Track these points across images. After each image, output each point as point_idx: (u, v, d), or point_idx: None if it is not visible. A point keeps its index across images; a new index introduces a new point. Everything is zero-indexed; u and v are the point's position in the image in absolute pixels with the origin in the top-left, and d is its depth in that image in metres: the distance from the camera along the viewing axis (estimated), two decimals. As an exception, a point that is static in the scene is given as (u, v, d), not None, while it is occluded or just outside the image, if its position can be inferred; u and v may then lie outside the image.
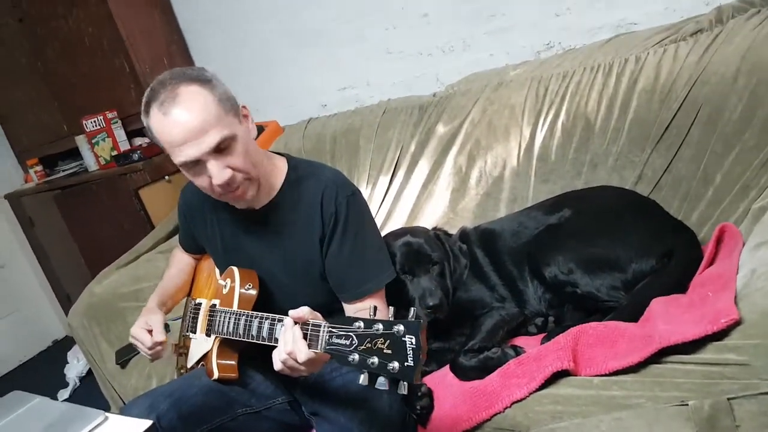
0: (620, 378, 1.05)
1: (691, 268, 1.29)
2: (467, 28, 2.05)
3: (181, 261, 1.50)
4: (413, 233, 1.48)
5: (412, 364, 0.82)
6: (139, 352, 1.81)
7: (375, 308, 0.90)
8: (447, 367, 1.33)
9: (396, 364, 0.83)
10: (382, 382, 0.85)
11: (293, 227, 1.23)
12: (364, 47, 2.26)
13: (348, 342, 0.88)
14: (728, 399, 0.94)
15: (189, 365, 1.36)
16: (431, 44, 2.14)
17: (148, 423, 0.85)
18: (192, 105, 1.06)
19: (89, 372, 2.67)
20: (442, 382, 1.30)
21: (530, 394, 1.10)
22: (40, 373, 3.11)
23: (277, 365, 1.00)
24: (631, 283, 1.32)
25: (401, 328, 0.84)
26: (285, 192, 1.23)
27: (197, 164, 1.10)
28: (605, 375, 1.07)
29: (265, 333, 1.10)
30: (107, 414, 0.91)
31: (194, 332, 1.33)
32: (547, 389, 1.10)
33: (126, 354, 1.81)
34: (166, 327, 1.87)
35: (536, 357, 1.16)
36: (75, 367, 2.78)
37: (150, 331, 1.28)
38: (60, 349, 3.16)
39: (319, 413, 1.25)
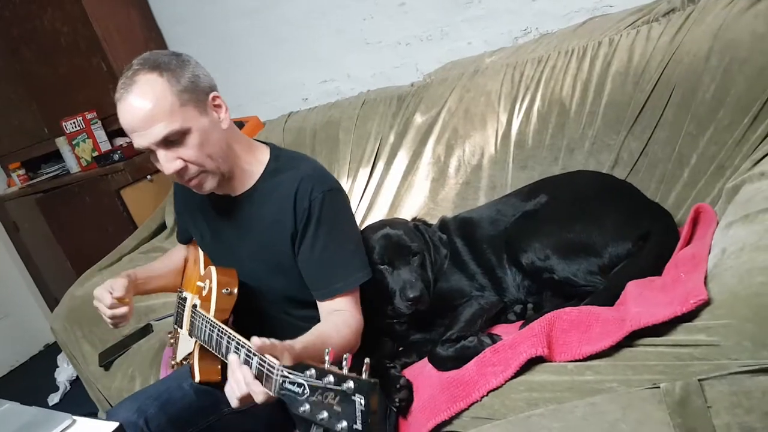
0: (594, 363, 1.05)
1: (667, 250, 1.29)
2: (445, 17, 2.03)
3: (174, 253, 1.51)
4: (392, 225, 1.47)
5: (359, 429, 0.75)
6: (123, 353, 1.83)
7: (329, 351, 0.84)
8: (426, 359, 1.33)
9: (345, 425, 0.77)
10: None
11: (265, 218, 1.22)
12: (342, 39, 2.25)
13: (300, 390, 0.83)
14: (699, 380, 0.94)
15: (178, 359, 1.36)
16: (409, 34, 2.12)
17: (114, 425, 0.84)
18: (143, 95, 1.06)
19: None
20: (421, 372, 1.30)
21: (506, 381, 1.10)
22: (32, 378, 3.11)
23: (234, 403, 0.96)
24: (608, 267, 1.31)
25: (351, 385, 0.77)
26: (262, 182, 1.23)
27: (151, 152, 1.10)
28: (580, 360, 1.07)
29: (229, 352, 1.05)
30: (75, 417, 0.91)
31: (180, 327, 1.33)
32: (523, 376, 1.10)
33: (109, 356, 1.81)
34: (149, 327, 1.87)
35: (511, 344, 1.15)
36: (65, 371, 2.78)
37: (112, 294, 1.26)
38: (51, 353, 3.14)
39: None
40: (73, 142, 2.61)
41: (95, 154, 2.61)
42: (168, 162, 1.10)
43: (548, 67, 1.65)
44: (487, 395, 1.12)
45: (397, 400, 1.21)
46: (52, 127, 2.75)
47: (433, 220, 1.59)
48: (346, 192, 1.86)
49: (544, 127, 1.63)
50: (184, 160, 1.10)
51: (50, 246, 2.81)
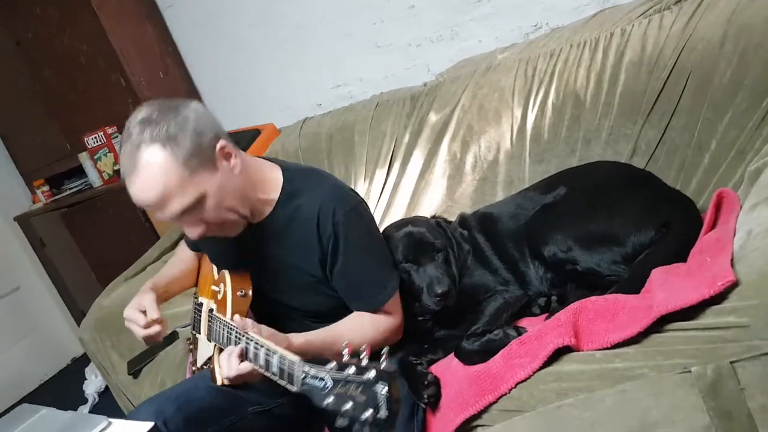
0: (622, 350, 1.04)
1: (690, 237, 1.28)
2: (454, 17, 2.05)
3: (183, 253, 1.51)
4: (414, 223, 1.47)
5: (384, 416, 0.78)
6: (151, 360, 1.85)
7: (348, 345, 0.87)
8: (452, 355, 1.33)
9: (369, 413, 0.79)
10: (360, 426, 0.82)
11: (289, 244, 1.22)
12: (354, 43, 2.27)
13: (323, 384, 0.85)
14: (731, 362, 0.93)
15: (198, 364, 1.36)
16: (420, 35, 2.14)
17: (149, 425, 0.86)
18: (151, 179, 1.03)
19: (107, 387, 2.70)
20: (447, 368, 1.30)
21: (534, 373, 1.10)
22: (61, 392, 3.15)
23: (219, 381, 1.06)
24: (631, 256, 1.31)
25: (372, 375, 0.80)
26: (280, 207, 1.21)
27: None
28: (607, 348, 1.06)
29: (251, 355, 1.08)
30: (110, 419, 0.93)
31: (198, 332, 1.34)
32: (551, 367, 1.09)
33: (138, 364, 1.83)
34: (175, 334, 1.90)
35: (537, 335, 1.15)
36: (93, 383, 2.81)
37: (144, 313, 1.26)
38: (79, 366, 3.19)
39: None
40: (95, 157, 2.67)
41: (116, 167, 2.66)
42: (191, 229, 1.09)
43: (561, 60, 1.65)
44: (515, 387, 1.11)
45: (425, 396, 1.21)
46: (73, 143, 2.80)
47: (452, 218, 1.59)
48: (364, 194, 1.89)
49: (560, 120, 1.63)
50: (206, 222, 1.09)
51: (75, 260, 2.86)
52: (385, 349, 0.83)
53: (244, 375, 1.07)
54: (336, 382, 0.83)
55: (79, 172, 2.94)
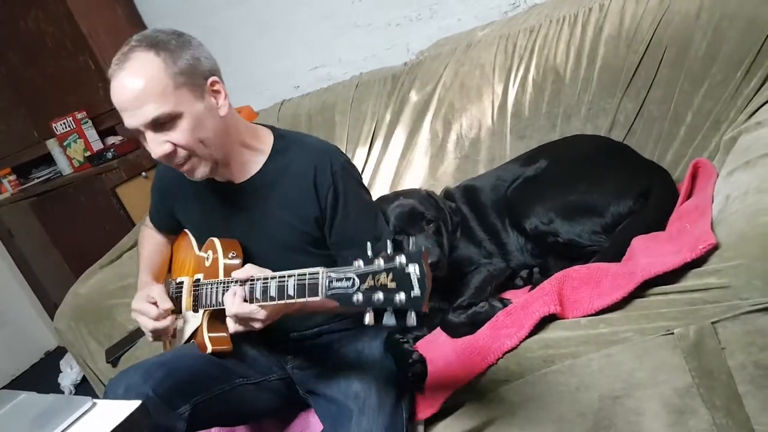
0: (607, 316, 1.06)
1: (667, 206, 1.31)
2: (434, -4, 2.03)
3: (154, 238, 1.44)
4: (405, 195, 1.47)
5: (418, 293, 0.80)
6: (130, 347, 1.81)
7: (371, 245, 0.88)
8: (438, 329, 1.33)
9: (402, 296, 0.81)
10: (387, 318, 0.84)
11: (282, 199, 1.19)
12: (332, 24, 2.24)
13: (349, 284, 0.86)
14: (712, 323, 0.96)
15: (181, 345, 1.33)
16: (399, 14, 2.12)
17: (136, 403, 0.83)
18: (136, 73, 1.03)
19: (84, 379, 2.64)
20: (434, 342, 1.30)
21: (520, 342, 1.11)
22: (35, 386, 3.01)
23: (232, 328, 1.07)
24: (611, 226, 1.33)
25: (403, 259, 0.82)
26: (270, 163, 1.19)
27: (140, 133, 1.07)
28: (592, 315, 1.08)
29: (258, 294, 1.05)
30: (95, 400, 0.89)
31: (180, 312, 1.31)
32: (537, 335, 1.11)
33: (116, 351, 1.79)
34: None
35: (523, 305, 1.16)
36: (68, 375, 2.74)
37: (155, 304, 1.22)
38: (53, 359, 3.11)
39: (314, 391, 1.25)
40: (65, 144, 2.59)
41: (87, 153, 2.58)
42: (156, 145, 1.07)
43: (540, 36, 1.66)
44: (502, 357, 1.12)
45: (410, 374, 1.21)
46: (41, 129, 2.71)
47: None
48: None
49: (540, 96, 1.64)
50: (174, 144, 1.07)
51: (47, 250, 2.78)
52: (411, 239, 0.87)
53: (249, 316, 1.04)
54: (363, 277, 0.85)
55: (47, 159, 2.85)
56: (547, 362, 1.09)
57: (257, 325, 1.06)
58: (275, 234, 1.21)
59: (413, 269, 0.81)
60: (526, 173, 1.46)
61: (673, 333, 0.99)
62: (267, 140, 1.22)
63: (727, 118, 1.37)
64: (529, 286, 1.39)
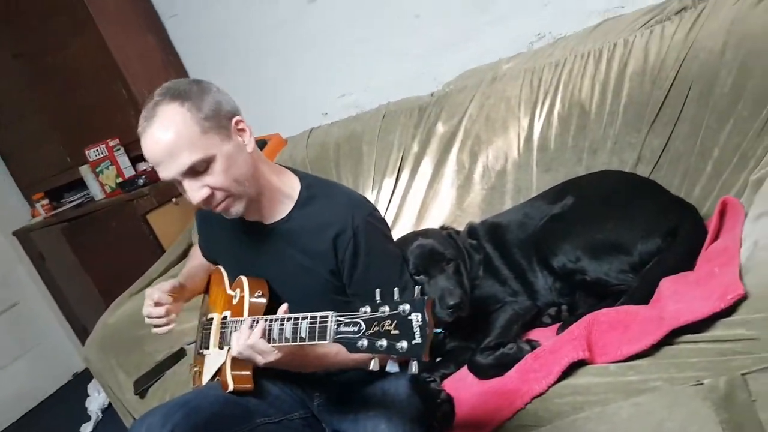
0: (636, 362, 1.07)
1: (696, 245, 1.30)
2: (459, 25, 2.06)
3: (200, 257, 1.50)
4: (424, 235, 1.48)
5: (420, 341, 0.83)
6: (158, 379, 1.84)
7: (381, 292, 0.91)
8: (465, 368, 1.34)
9: (404, 344, 0.84)
10: (391, 365, 0.87)
11: (303, 247, 1.22)
12: (359, 52, 2.28)
13: (356, 329, 0.90)
14: (742, 374, 0.96)
15: (204, 383, 1.33)
16: (425, 44, 2.15)
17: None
18: (165, 126, 1.06)
19: (111, 404, 2.68)
20: (462, 383, 1.31)
21: (549, 387, 1.12)
22: (63, 408, 3.09)
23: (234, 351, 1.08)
24: (639, 265, 1.33)
25: (407, 307, 0.85)
26: (297, 210, 1.22)
27: (177, 183, 1.11)
28: (621, 361, 1.08)
29: (275, 334, 1.08)
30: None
31: (207, 348, 1.32)
32: (566, 380, 1.11)
33: (145, 383, 1.81)
34: (182, 351, 1.89)
35: (552, 349, 1.17)
36: (96, 399, 2.76)
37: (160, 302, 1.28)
38: (81, 382, 3.13)
39: (340, 430, 1.25)
40: (97, 170, 2.66)
41: (119, 180, 2.65)
42: (194, 191, 1.10)
43: (566, 70, 1.67)
44: (531, 402, 1.13)
45: (438, 415, 1.21)
46: (74, 155, 2.78)
47: (461, 227, 1.60)
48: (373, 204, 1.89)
49: (566, 130, 1.65)
50: (211, 187, 1.10)
51: (77, 274, 2.82)
52: (416, 288, 0.89)
53: (260, 349, 1.07)
54: (369, 323, 0.88)
55: (80, 184, 2.92)
56: (576, 409, 1.09)
57: (259, 360, 1.08)
58: (298, 279, 1.23)
59: (415, 317, 0.84)
60: (553, 210, 1.47)
61: (703, 383, 0.99)
62: (295, 186, 1.25)
63: (754, 155, 1.37)
64: (557, 325, 1.39)
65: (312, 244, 1.21)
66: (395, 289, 0.90)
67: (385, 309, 0.87)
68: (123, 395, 1.90)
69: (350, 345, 0.90)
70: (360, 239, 1.18)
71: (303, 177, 1.27)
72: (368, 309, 0.89)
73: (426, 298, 0.86)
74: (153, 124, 1.07)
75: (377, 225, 1.24)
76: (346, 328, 0.91)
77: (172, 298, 1.29)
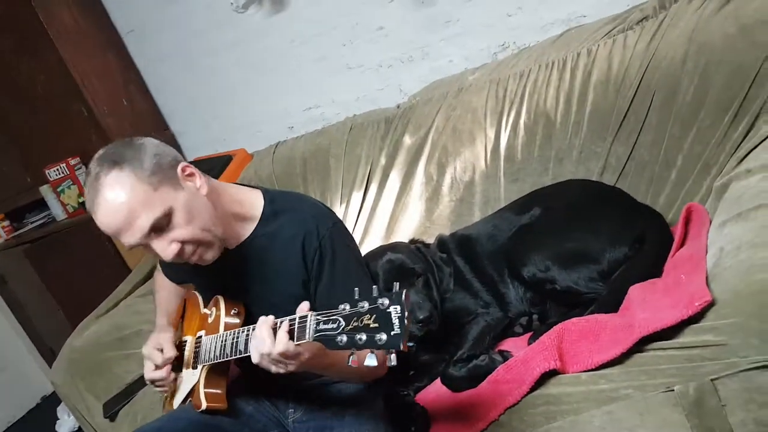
0: (607, 371, 1.07)
1: (663, 251, 1.31)
2: (423, 37, 2.06)
3: (168, 284, 1.46)
4: (393, 249, 1.48)
5: (398, 332, 0.85)
6: (128, 401, 1.79)
7: (359, 290, 0.92)
8: (438, 380, 1.33)
9: (384, 335, 0.86)
10: (369, 359, 0.88)
11: (271, 264, 1.20)
12: (324, 66, 2.26)
13: (335, 326, 0.91)
14: (711, 380, 0.96)
15: (175, 406, 1.31)
16: (390, 56, 2.15)
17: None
18: (114, 195, 1.02)
19: (80, 428, 2.61)
20: (436, 396, 1.30)
21: (522, 398, 1.11)
22: None
23: (255, 357, 1.02)
24: (608, 273, 1.34)
25: (386, 300, 0.87)
26: (261, 228, 1.20)
27: (145, 246, 1.07)
28: (592, 370, 1.08)
29: (250, 345, 1.06)
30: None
31: (180, 371, 1.30)
32: (538, 390, 1.11)
33: (114, 406, 1.76)
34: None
35: (523, 360, 1.16)
36: (66, 422, 2.71)
37: (161, 351, 1.24)
38: (50, 405, 3.06)
39: None
40: (58, 189, 2.58)
41: (81, 199, 2.58)
42: (163, 249, 1.06)
43: (530, 80, 1.68)
44: (504, 413, 1.12)
45: (413, 429, 1.21)
46: (35, 175, 2.70)
47: (430, 239, 1.60)
48: (341, 218, 1.87)
49: (532, 140, 1.66)
50: (179, 241, 1.07)
51: (41, 296, 2.75)
52: (396, 284, 0.89)
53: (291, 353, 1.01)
54: (348, 319, 0.89)
55: (41, 205, 2.84)
56: (549, 419, 1.09)
57: (291, 368, 1.03)
58: (270, 297, 1.21)
59: (394, 310, 0.86)
60: (522, 221, 1.47)
61: (673, 390, 0.99)
62: (257, 204, 1.22)
63: (716, 162, 1.39)
64: (528, 334, 1.38)
65: (280, 258, 1.19)
66: (374, 287, 0.90)
67: (364, 304, 0.89)
68: (92, 418, 1.84)
69: (329, 342, 0.91)
70: (326, 250, 1.17)
71: (265, 192, 1.25)
72: (347, 306, 0.90)
73: (404, 291, 0.87)
74: (101, 196, 1.03)
75: (342, 234, 1.23)
76: (325, 326, 0.92)
77: (174, 353, 1.25)
